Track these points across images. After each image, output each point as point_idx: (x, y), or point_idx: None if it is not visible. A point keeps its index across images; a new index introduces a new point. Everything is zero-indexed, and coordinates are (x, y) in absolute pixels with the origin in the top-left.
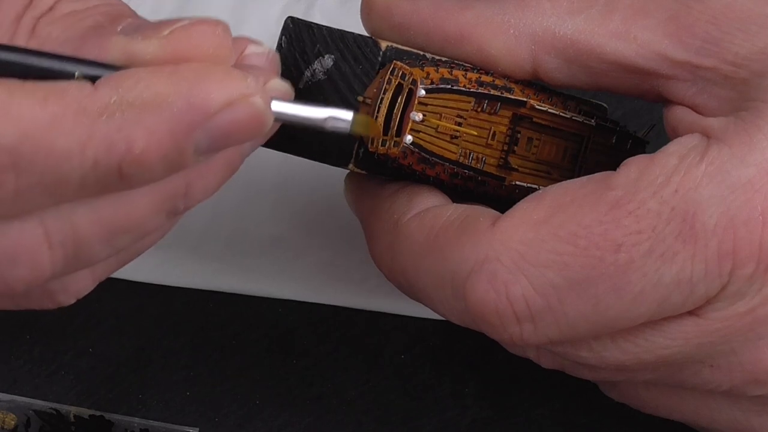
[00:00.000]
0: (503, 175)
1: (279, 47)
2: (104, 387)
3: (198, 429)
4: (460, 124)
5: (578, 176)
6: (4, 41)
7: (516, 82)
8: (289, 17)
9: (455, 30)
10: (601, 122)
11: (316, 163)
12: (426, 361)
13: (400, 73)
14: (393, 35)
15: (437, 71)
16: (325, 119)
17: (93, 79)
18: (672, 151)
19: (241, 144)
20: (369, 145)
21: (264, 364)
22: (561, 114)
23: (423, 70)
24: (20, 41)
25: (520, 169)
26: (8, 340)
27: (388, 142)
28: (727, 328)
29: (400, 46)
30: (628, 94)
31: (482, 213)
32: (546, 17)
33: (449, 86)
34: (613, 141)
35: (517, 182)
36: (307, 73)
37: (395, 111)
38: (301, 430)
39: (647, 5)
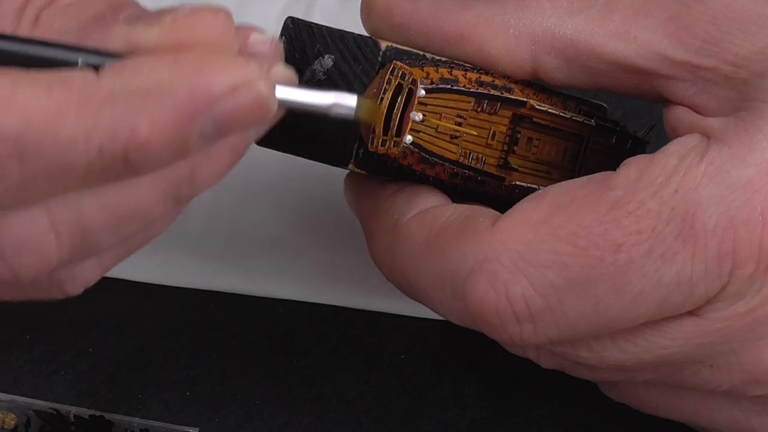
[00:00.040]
0: (503, 175)
1: None
2: (104, 387)
3: (198, 429)
4: (460, 124)
5: (578, 176)
6: (8, 32)
7: (516, 82)
8: (289, 17)
9: (455, 30)
10: (601, 122)
11: (316, 163)
12: (426, 361)
13: (400, 73)
14: (393, 35)
15: (437, 71)
16: (330, 105)
17: (96, 68)
18: (672, 151)
19: (245, 130)
20: (369, 145)
21: (264, 364)
22: (561, 114)
23: (423, 70)
24: (23, 32)
25: (520, 169)
26: (8, 340)
27: (387, 142)
28: (727, 328)
29: (399, 46)
30: (628, 94)
31: (482, 213)
32: (546, 17)
33: (449, 86)
34: (613, 141)
35: (517, 182)
36: (307, 73)
37: (395, 111)
38: (301, 430)
39: (647, 5)
